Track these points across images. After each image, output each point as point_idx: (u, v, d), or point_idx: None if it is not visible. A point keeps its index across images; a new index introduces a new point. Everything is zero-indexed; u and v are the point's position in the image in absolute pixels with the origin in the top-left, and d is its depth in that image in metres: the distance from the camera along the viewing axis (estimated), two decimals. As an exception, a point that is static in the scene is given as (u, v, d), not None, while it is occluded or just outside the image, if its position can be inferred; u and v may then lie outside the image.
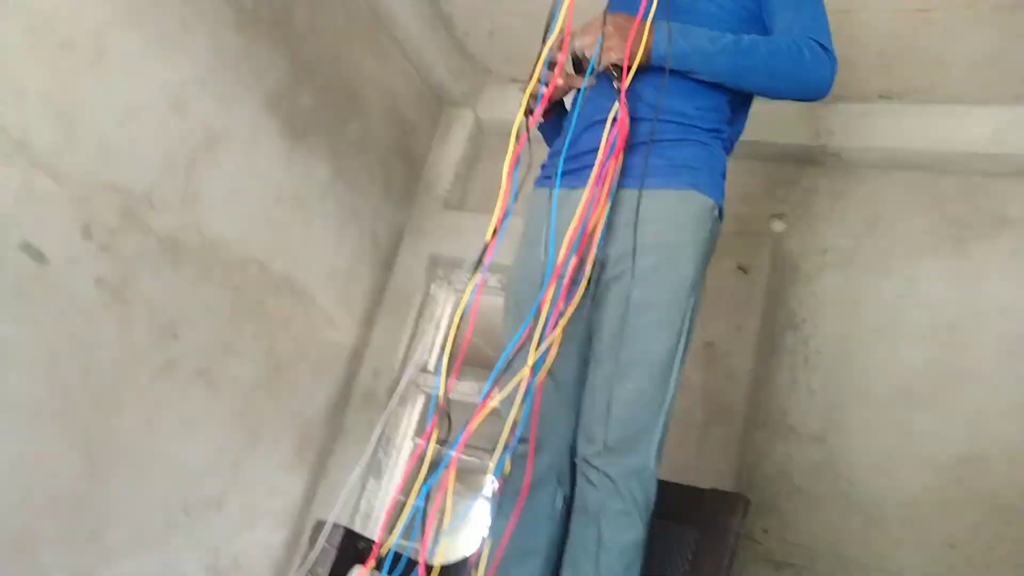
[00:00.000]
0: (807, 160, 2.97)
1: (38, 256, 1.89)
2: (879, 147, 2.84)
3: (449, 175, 3.30)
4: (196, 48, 2.23)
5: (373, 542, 1.27)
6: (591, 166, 1.49)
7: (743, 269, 2.76)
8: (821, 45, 1.62)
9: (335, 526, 1.68)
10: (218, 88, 2.32)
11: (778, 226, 2.94)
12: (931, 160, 2.79)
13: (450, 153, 3.33)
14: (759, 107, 2.93)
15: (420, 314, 3.09)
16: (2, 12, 1.76)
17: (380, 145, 3.04)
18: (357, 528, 2.72)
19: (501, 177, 3.13)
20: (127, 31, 2.03)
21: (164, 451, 2.26)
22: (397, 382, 2.87)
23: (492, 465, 1.39)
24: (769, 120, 2.95)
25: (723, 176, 1.66)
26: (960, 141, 2.74)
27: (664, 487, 1.55)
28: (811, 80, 1.63)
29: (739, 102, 1.75)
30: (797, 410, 2.61)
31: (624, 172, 1.54)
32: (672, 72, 1.57)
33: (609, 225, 1.51)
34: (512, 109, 3.34)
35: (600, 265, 1.54)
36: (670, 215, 1.53)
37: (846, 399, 2.58)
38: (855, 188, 2.90)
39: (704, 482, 2.41)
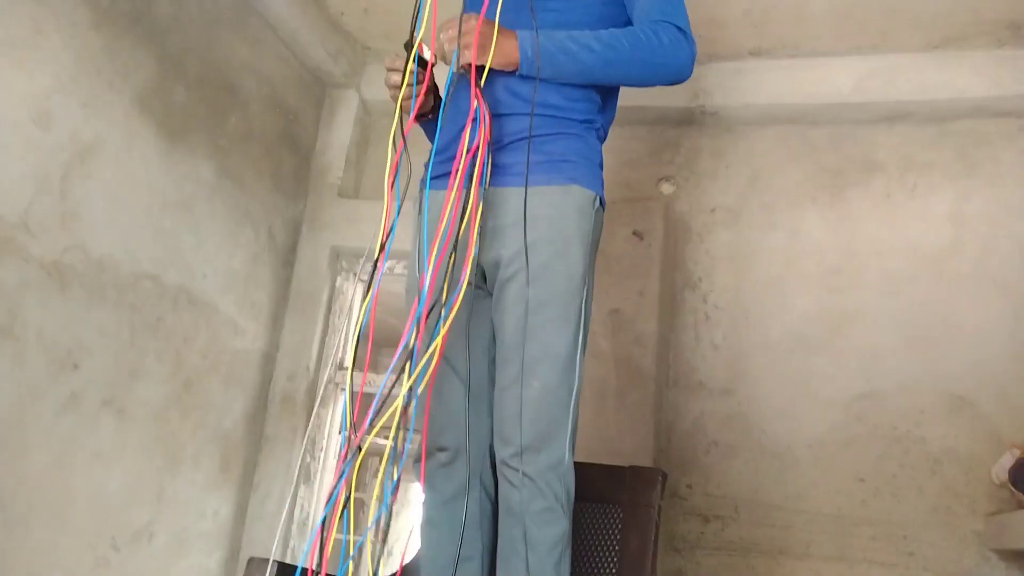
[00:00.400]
0: (688, 121, 3.06)
1: (-91, 301, 1.73)
2: (753, 104, 2.96)
3: (340, 161, 3.21)
4: (54, 53, 2.06)
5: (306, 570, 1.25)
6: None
7: (638, 235, 2.84)
8: (678, 28, 1.63)
9: (266, 561, 1.63)
10: (83, 93, 2.15)
11: (667, 188, 3.03)
12: (802, 113, 2.94)
13: (338, 138, 3.23)
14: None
15: (329, 309, 3.03)
16: None
17: (264, 136, 2.92)
18: (294, 537, 2.68)
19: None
20: (-24, 42, 1.85)
21: (81, 488, 2.14)
22: (315, 383, 2.81)
23: (375, 500, 1.35)
24: (648, 84, 3.02)
25: (600, 167, 1.69)
26: (827, 93, 2.88)
27: (586, 469, 1.61)
28: (671, 66, 1.63)
29: (608, 90, 1.76)
30: (704, 366, 2.74)
31: (501, 170, 1.54)
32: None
33: (494, 225, 1.53)
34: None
35: (494, 265, 1.56)
36: (555, 211, 1.54)
37: (748, 351, 2.72)
38: (735, 145, 3.02)
39: (626, 447, 2.51)
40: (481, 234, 1.48)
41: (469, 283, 1.45)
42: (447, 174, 1.51)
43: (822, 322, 2.71)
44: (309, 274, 3.05)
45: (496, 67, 1.51)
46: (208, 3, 2.62)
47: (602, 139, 1.75)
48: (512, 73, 1.56)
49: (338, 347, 2.95)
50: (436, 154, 1.60)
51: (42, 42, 2.03)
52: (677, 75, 1.65)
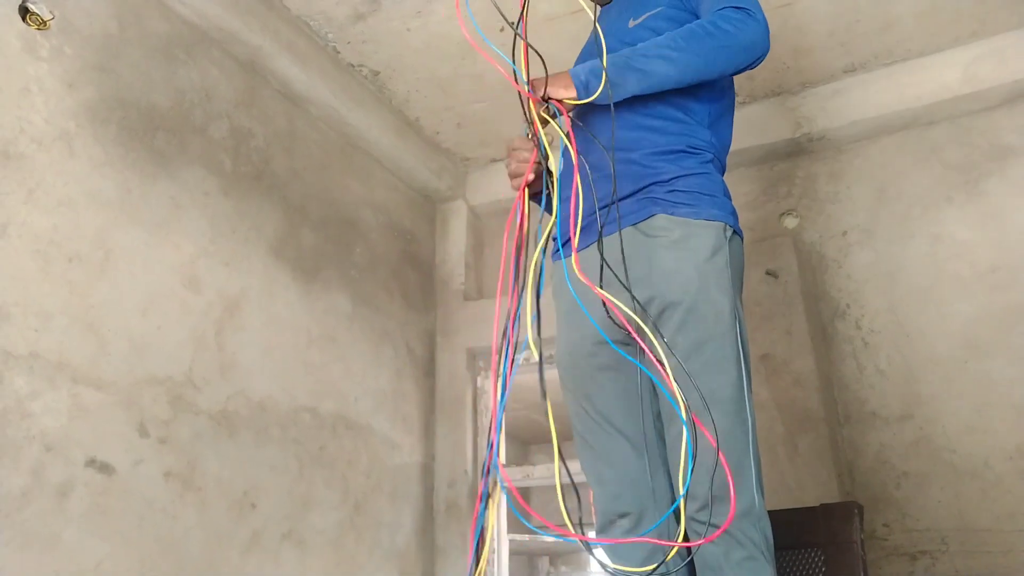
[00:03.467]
0: (796, 152, 2.99)
1: (105, 468, 1.88)
2: (860, 119, 2.87)
3: (460, 268, 3.33)
4: (192, 222, 2.26)
5: None
6: (588, 225, 1.51)
7: (772, 274, 2.75)
8: (738, 8, 1.56)
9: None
10: (223, 253, 2.35)
11: (791, 222, 2.95)
12: (914, 116, 2.82)
13: (455, 246, 3.36)
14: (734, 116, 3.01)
15: (475, 410, 3.08)
16: (9, 242, 1.79)
17: (388, 259, 3.07)
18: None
19: (509, 255, 3.15)
20: (126, 228, 2.06)
21: (271, 623, 2.22)
22: (475, 485, 2.83)
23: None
24: (745, 125, 2.99)
25: (726, 195, 1.62)
26: (934, 91, 2.77)
27: (774, 517, 1.51)
28: (739, 46, 1.55)
29: (714, 113, 1.69)
30: (874, 395, 2.58)
31: (625, 219, 1.53)
32: (620, 105, 1.54)
33: (629, 275, 1.48)
34: (498, 187, 3.40)
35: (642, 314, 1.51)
36: (685, 251, 1.49)
37: (917, 370, 2.55)
38: (852, 164, 2.92)
39: (808, 495, 2.36)
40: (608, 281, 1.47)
41: (619, 342, 1.45)
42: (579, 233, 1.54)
43: (991, 323, 2.50)
44: (451, 380, 3.12)
45: (559, 98, 1.49)
46: (318, 151, 2.83)
47: (721, 168, 1.70)
48: (598, 109, 1.54)
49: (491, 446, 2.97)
50: (560, 224, 1.61)
51: (181, 215, 2.24)
52: (750, 53, 1.56)
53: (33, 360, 1.78)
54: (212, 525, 2.11)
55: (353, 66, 2.83)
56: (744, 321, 1.51)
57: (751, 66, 1.60)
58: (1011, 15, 2.60)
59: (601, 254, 1.36)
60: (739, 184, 3.03)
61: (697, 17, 1.68)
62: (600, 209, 1.48)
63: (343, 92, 2.83)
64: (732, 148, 3.08)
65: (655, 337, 1.41)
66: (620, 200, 1.53)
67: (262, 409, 2.35)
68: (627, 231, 1.51)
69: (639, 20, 1.71)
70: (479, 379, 3.15)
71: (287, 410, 2.44)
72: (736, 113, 2.96)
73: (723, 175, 1.70)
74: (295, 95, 2.71)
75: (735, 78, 1.79)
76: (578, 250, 1.53)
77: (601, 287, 1.46)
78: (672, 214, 1.52)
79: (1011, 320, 2.49)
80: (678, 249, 1.49)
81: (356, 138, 2.99)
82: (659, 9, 1.70)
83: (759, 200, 3.00)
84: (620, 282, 1.37)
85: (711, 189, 1.58)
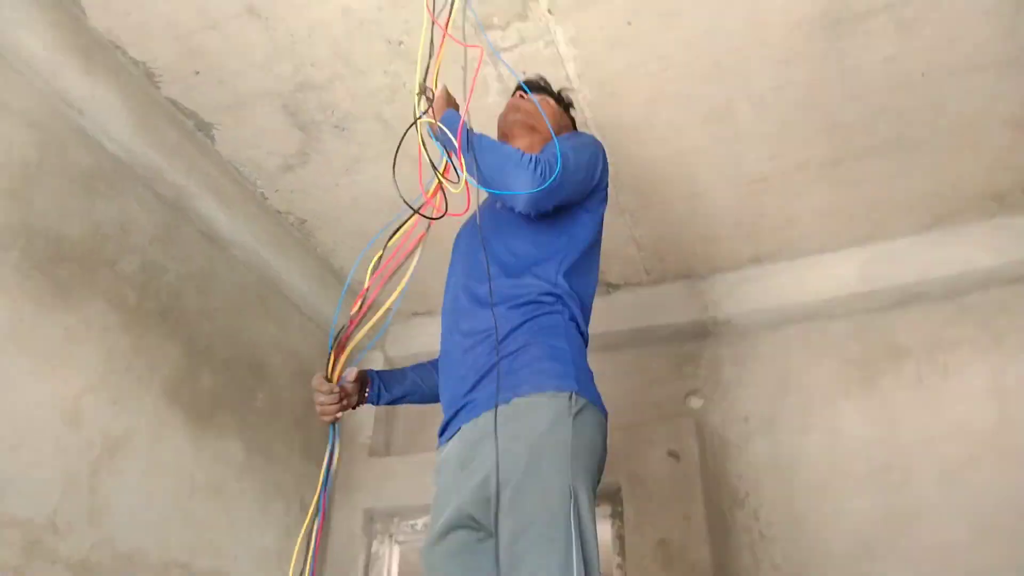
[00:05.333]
0: (703, 333, 3.08)
1: (-70, 620, 1.72)
2: (764, 307, 2.99)
3: (369, 421, 3.26)
4: (85, 357, 2.19)
5: None
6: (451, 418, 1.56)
7: (674, 455, 2.76)
8: (540, 161, 1.54)
9: None
10: (112, 391, 2.26)
11: (695, 402, 2.99)
12: (815, 309, 2.95)
13: (365, 399, 3.30)
14: (642, 294, 3.12)
15: (366, 576, 2.92)
16: None
17: (293, 407, 3.00)
18: None
19: (421, 413, 3.12)
20: (11, 357, 1.98)
21: None
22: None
23: None
24: (656, 302, 3.10)
25: (573, 358, 1.53)
26: (834, 287, 2.91)
27: None
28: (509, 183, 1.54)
29: (568, 248, 1.68)
30: (767, 589, 2.53)
31: (468, 407, 1.55)
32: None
33: (480, 457, 1.45)
34: (418, 341, 3.39)
35: (483, 503, 1.43)
36: (522, 426, 1.42)
37: (812, 567, 2.53)
38: (755, 350, 3.01)
39: None
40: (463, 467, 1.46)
41: (462, 526, 1.41)
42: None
43: (883, 524, 2.52)
44: (344, 542, 2.98)
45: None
46: (234, 292, 2.81)
47: (577, 322, 1.63)
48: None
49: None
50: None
51: (74, 349, 2.17)
52: (509, 190, 1.54)
53: None
54: None
55: (280, 212, 2.87)
56: (589, 501, 1.40)
57: (527, 203, 1.55)
58: (905, 221, 2.78)
59: None
60: (648, 360, 3.09)
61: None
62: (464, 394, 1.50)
63: (267, 236, 2.85)
64: (641, 325, 3.18)
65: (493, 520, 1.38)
66: (471, 390, 1.54)
67: (129, 561, 2.20)
68: (485, 416, 1.48)
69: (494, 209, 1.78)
70: (375, 543, 3.02)
71: (156, 564, 2.28)
72: (647, 291, 3.13)
73: (585, 327, 1.66)
74: (217, 236, 2.73)
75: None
76: (447, 440, 1.55)
77: (460, 471, 1.47)
78: (516, 396, 1.46)
79: (903, 522, 2.51)
80: (515, 424, 1.43)
81: (276, 282, 2.99)
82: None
83: (667, 378, 3.05)
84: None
85: (558, 357, 1.52)
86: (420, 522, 3.18)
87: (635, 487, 2.75)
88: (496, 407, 1.45)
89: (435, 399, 1.84)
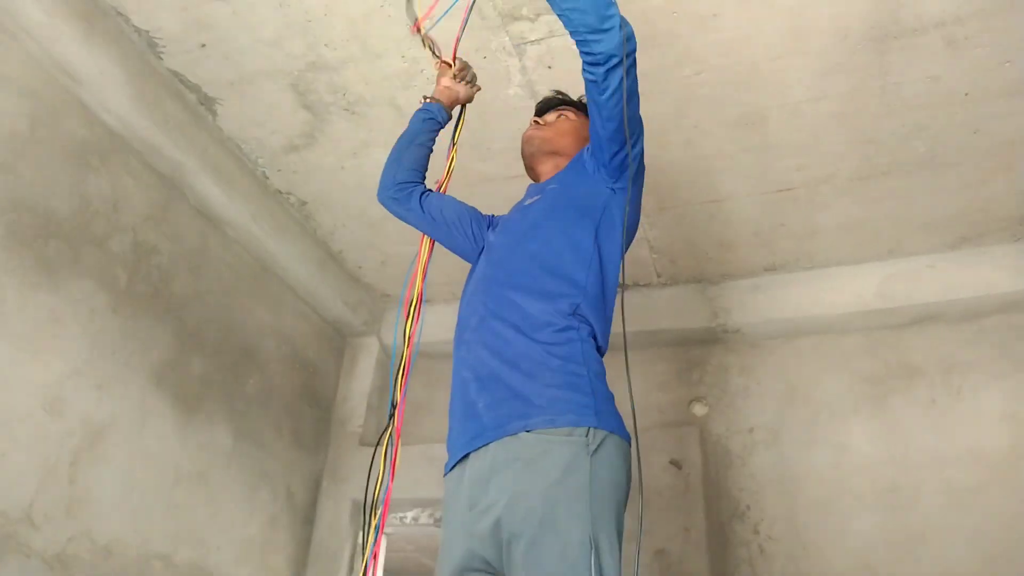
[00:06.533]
0: (711, 340, 3.00)
1: None
2: (776, 318, 2.90)
3: (361, 409, 3.17)
4: (70, 340, 2.09)
5: None
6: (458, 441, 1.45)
7: (676, 464, 2.69)
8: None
9: None
10: (97, 376, 2.16)
11: (700, 409, 2.91)
12: (828, 323, 2.86)
13: (359, 385, 3.21)
14: (652, 296, 3.02)
15: (351, 568, 2.85)
16: None
17: (284, 393, 2.90)
18: None
19: (415, 403, 3.03)
20: (-8, 340, 1.88)
21: None
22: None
23: None
24: (665, 306, 3.00)
25: (592, 390, 1.39)
26: (850, 301, 2.82)
27: None
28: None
29: (593, 253, 1.54)
30: (765, 609, 2.48)
31: (481, 421, 1.40)
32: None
33: (488, 498, 1.34)
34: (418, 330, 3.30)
35: (493, 547, 1.33)
36: (535, 472, 1.30)
37: (811, 585, 2.47)
38: (764, 361, 2.92)
39: None
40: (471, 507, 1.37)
41: (473, 568, 1.32)
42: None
43: (886, 546, 2.46)
44: (329, 532, 2.90)
45: None
46: (228, 274, 2.70)
47: (596, 338, 1.50)
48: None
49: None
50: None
51: (59, 331, 2.07)
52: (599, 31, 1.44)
53: None
54: None
55: (281, 193, 2.75)
56: (613, 551, 1.27)
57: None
58: (928, 240, 2.70)
59: None
60: (653, 364, 3.00)
61: (597, 167, 1.61)
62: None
63: (266, 217, 2.73)
64: (648, 327, 3.09)
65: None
66: (480, 408, 1.42)
67: (107, 554, 2.11)
68: (493, 448, 1.37)
69: (531, 201, 1.68)
70: (361, 534, 2.94)
71: (136, 556, 2.19)
72: (656, 293, 3.03)
73: (604, 346, 1.52)
74: (212, 214, 2.61)
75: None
76: (452, 466, 1.45)
77: (468, 512, 1.36)
78: (528, 429, 1.34)
79: (908, 544, 2.45)
80: (527, 467, 1.30)
81: (272, 264, 2.87)
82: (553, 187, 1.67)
83: (671, 383, 2.97)
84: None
85: (575, 384, 1.39)
86: (408, 515, 3.11)
87: (634, 493, 2.66)
88: (504, 439, 1.35)
89: (396, 159, 1.83)
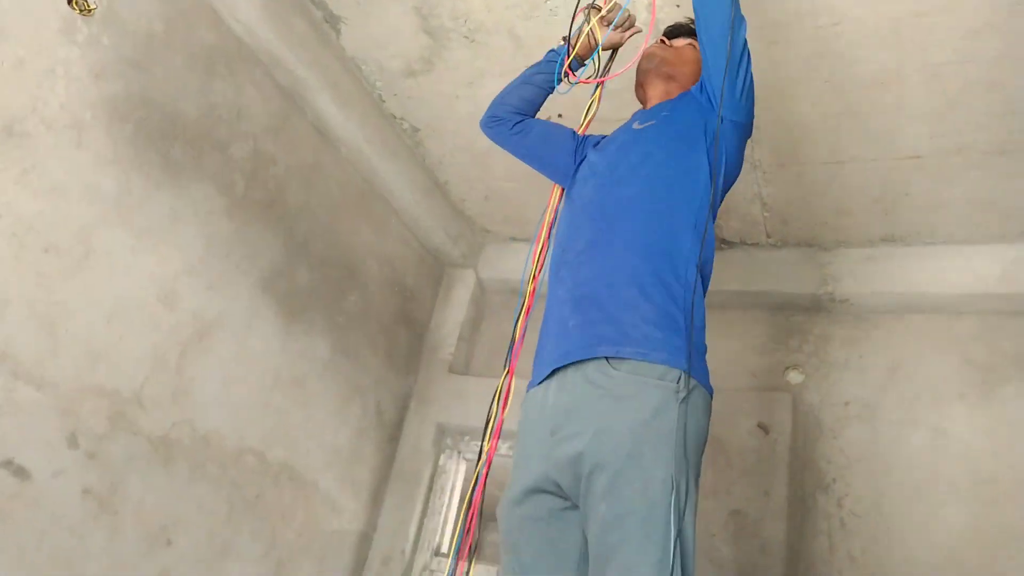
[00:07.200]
0: (816, 308, 2.89)
1: (20, 472, 1.78)
2: (888, 291, 2.77)
3: (452, 338, 3.23)
4: (187, 238, 2.19)
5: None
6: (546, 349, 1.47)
7: (764, 428, 2.63)
8: None
9: None
10: (210, 276, 2.27)
11: (795, 377, 2.83)
12: (943, 302, 2.72)
13: (453, 315, 3.27)
14: (759, 256, 2.93)
15: (430, 488, 2.94)
16: (-13, 222, 1.72)
17: (381, 313, 2.98)
18: None
19: (504, 338, 3.06)
20: (114, 229, 1.99)
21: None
22: (409, 569, 2.68)
23: None
24: (770, 268, 2.91)
25: (688, 331, 1.39)
26: (970, 282, 2.67)
27: None
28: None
29: (703, 200, 1.53)
30: (839, 583, 2.42)
31: (572, 338, 1.42)
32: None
33: (572, 425, 1.36)
34: (511, 266, 3.32)
35: (571, 474, 1.36)
36: (625, 408, 1.33)
37: (891, 568, 2.40)
38: (869, 335, 2.81)
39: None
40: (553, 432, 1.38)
41: (545, 491, 1.34)
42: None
43: (977, 542, 2.36)
44: (413, 451, 2.99)
45: None
46: (337, 191, 2.77)
47: (704, 282, 1.50)
48: None
49: (438, 530, 2.83)
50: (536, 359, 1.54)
51: (178, 228, 2.17)
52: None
53: (-26, 345, 1.69)
54: (119, 554, 1.99)
55: (395, 117, 2.78)
56: (691, 496, 1.30)
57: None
58: (1062, 225, 2.51)
59: None
60: (751, 325, 2.93)
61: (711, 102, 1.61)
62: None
63: (378, 140, 2.78)
64: (752, 288, 3.01)
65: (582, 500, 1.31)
66: (573, 326, 1.43)
67: (206, 443, 2.24)
68: (574, 374, 1.39)
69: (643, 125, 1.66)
70: (443, 457, 3.03)
71: (232, 449, 2.32)
72: (763, 255, 2.94)
73: (706, 288, 1.51)
74: (328, 132, 2.67)
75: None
76: (539, 381, 1.46)
77: (549, 436, 1.38)
78: (618, 355, 1.35)
79: (1000, 541, 2.34)
80: (617, 404, 1.33)
81: (380, 186, 2.93)
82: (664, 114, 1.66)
83: (767, 347, 2.89)
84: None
85: (673, 326, 1.39)
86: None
87: (716, 453, 2.64)
88: (594, 359, 1.38)
89: (507, 93, 1.89)
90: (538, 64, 1.88)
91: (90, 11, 1.95)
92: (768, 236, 2.88)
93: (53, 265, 1.86)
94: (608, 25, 1.74)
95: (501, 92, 1.90)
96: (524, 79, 1.87)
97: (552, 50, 1.86)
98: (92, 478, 1.93)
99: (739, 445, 2.62)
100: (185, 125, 2.17)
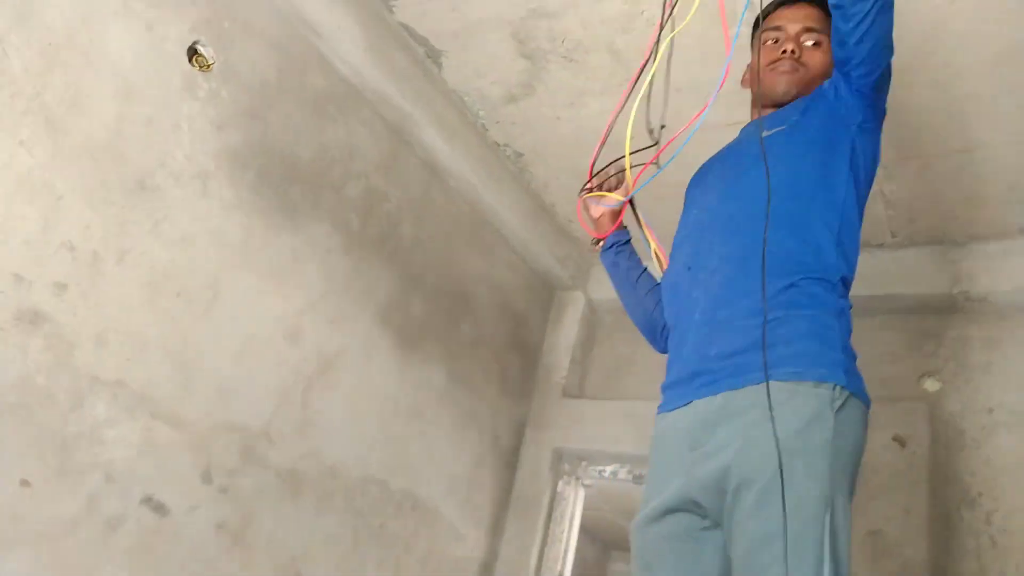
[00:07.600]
0: (950, 309, 2.72)
1: (159, 508, 1.87)
2: (1032, 287, 2.57)
3: (565, 361, 3.21)
4: (307, 277, 2.27)
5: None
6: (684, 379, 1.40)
7: (900, 441, 2.49)
8: None
9: None
10: (330, 311, 2.34)
11: (931, 385, 2.66)
12: (1096, 297, 2.51)
13: (564, 338, 3.26)
14: (883, 257, 2.78)
15: (549, 516, 2.92)
16: (124, 269, 1.83)
17: (494, 340, 3.00)
18: None
19: (617, 359, 3.02)
20: (240, 272, 2.08)
21: None
22: (532, 598, 2.67)
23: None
24: (897, 269, 2.76)
25: (842, 347, 1.34)
26: None
27: None
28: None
29: (846, 203, 1.43)
30: (995, 606, 2.25)
31: (713, 368, 1.36)
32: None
33: (716, 440, 1.31)
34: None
35: (715, 490, 1.30)
36: (775, 421, 1.24)
37: (1053, 590, 2.20)
38: (1014, 333, 2.62)
39: None
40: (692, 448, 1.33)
41: (684, 510, 1.30)
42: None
43: None
44: (531, 477, 2.98)
45: None
46: (447, 222, 2.82)
47: (846, 295, 1.41)
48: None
49: (559, 559, 2.80)
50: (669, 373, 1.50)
51: (299, 268, 2.26)
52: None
53: (118, 388, 1.79)
54: (253, 585, 2.06)
55: (499, 145, 2.82)
56: (846, 514, 1.23)
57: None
58: None
59: None
60: (879, 332, 2.77)
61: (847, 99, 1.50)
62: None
63: (484, 168, 2.82)
64: (879, 292, 2.86)
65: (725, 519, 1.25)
66: (713, 356, 1.37)
67: (332, 474, 2.30)
68: (719, 398, 1.34)
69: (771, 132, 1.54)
70: (560, 483, 3.00)
71: (357, 479, 2.38)
72: (889, 255, 2.80)
73: (848, 303, 1.42)
74: (436, 165, 2.72)
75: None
76: (674, 407, 1.41)
77: (689, 452, 1.33)
78: (772, 378, 1.26)
79: None
80: (767, 417, 1.24)
81: (487, 214, 2.96)
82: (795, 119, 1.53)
83: (899, 354, 2.73)
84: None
85: (825, 337, 1.33)
86: (608, 469, 3.11)
87: (849, 470, 2.51)
88: (744, 388, 1.30)
89: (634, 314, 1.76)
90: (611, 271, 1.82)
91: (209, 67, 2.06)
92: (893, 235, 2.74)
93: (185, 308, 1.96)
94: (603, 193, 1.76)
95: (634, 319, 1.77)
96: (626, 291, 1.78)
97: (599, 255, 1.84)
98: (226, 512, 2.01)
99: (873, 460, 2.47)
100: (301, 168, 2.26)
